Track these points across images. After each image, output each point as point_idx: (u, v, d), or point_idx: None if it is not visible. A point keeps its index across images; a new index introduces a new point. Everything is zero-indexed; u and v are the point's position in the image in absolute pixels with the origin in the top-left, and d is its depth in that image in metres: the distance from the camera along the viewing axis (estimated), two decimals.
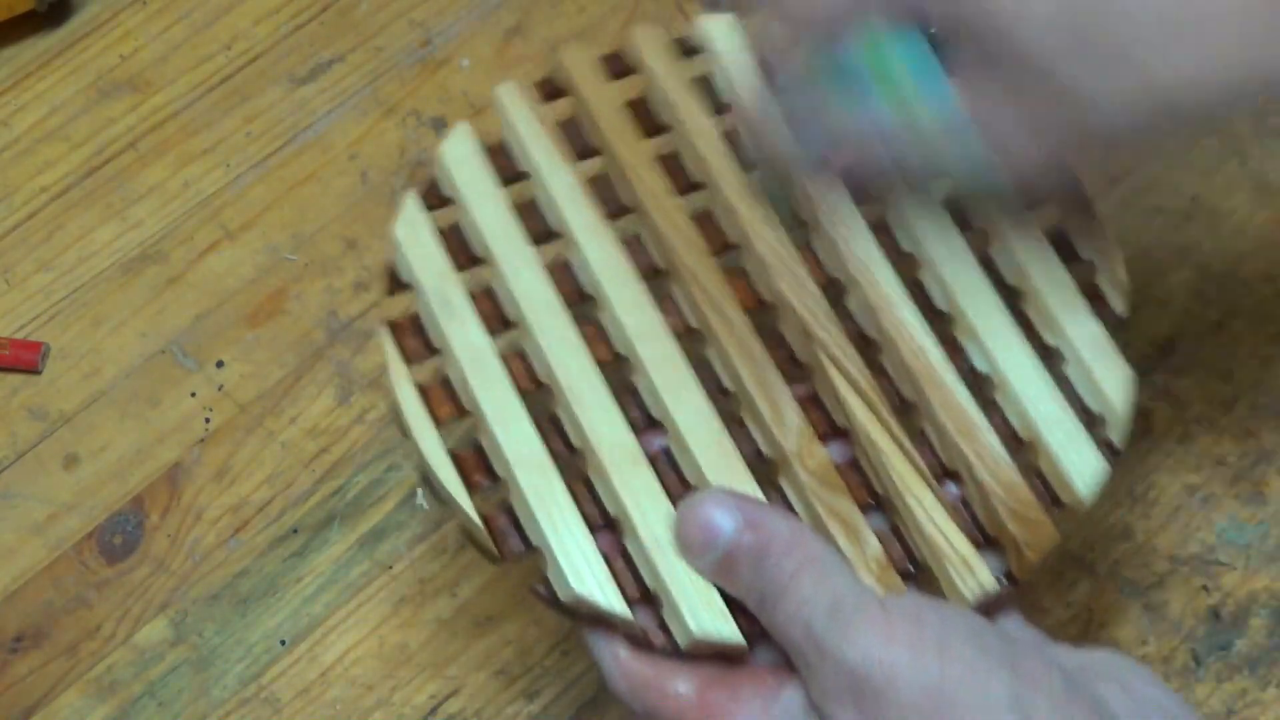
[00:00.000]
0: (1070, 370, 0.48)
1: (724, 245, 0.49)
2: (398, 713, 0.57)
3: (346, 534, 0.59)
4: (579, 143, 0.51)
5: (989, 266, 0.49)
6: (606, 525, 0.45)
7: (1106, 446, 0.46)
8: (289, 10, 0.69)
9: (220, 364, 0.62)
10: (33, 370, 0.62)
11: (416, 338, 0.48)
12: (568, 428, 0.46)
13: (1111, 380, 0.47)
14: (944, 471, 0.46)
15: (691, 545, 0.44)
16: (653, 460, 0.46)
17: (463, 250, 0.49)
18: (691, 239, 0.49)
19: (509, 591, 0.58)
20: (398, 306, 0.48)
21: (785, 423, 0.46)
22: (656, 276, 0.49)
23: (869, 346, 0.48)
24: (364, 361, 0.62)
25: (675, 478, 0.46)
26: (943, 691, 0.39)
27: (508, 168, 0.50)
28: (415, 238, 0.49)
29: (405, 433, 0.46)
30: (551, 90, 0.52)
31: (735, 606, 0.44)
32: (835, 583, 0.41)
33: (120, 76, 0.68)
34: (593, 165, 0.50)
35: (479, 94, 0.66)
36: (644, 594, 0.44)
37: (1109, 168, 0.61)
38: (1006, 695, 0.39)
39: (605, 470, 0.45)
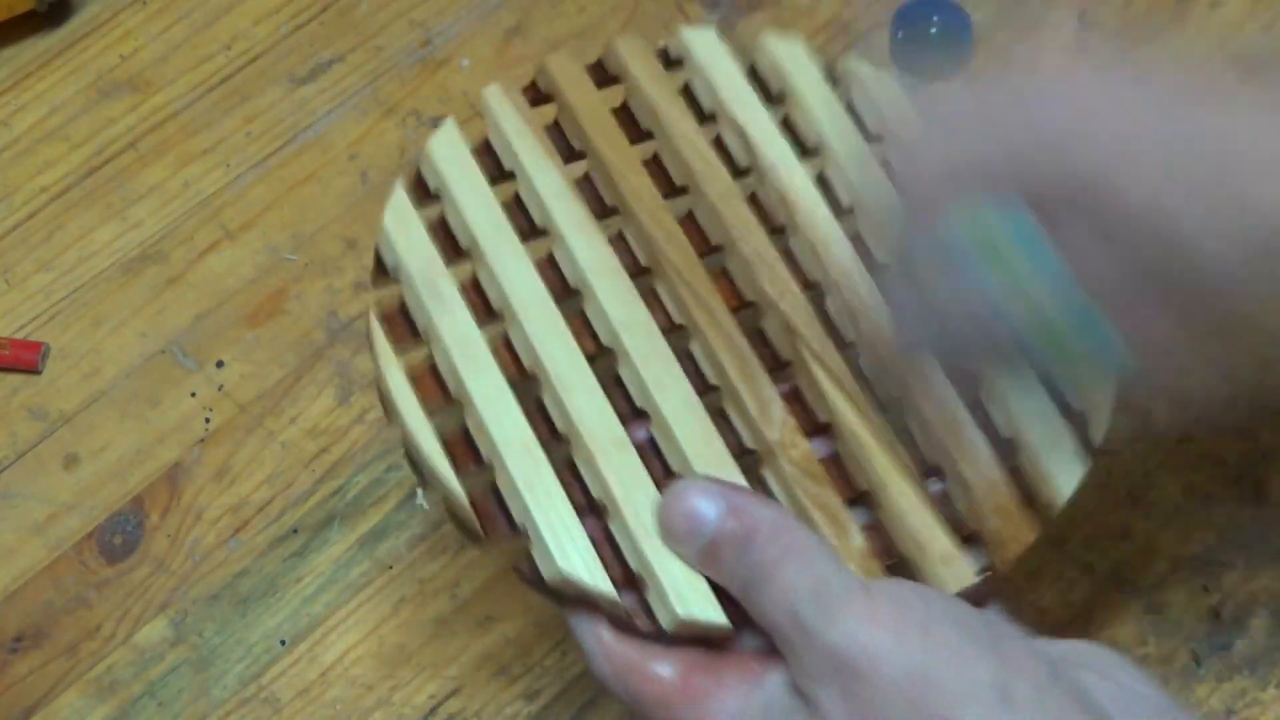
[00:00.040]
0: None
1: (707, 247, 0.50)
2: (398, 713, 0.57)
3: (346, 534, 0.59)
4: (564, 145, 0.51)
5: None
6: (592, 510, 0.45)
7: (1086, 445, 0.47)
8: (289, 10, 0.69)
9: (220, 364, 0.62)
10: (33, 370, 0.62)
11: (404, 324, 0.48)
12: (554, 414, 0.47)
13: (1093, 379, 0.47)
14: (925, 466, 0.47)
15: (676, 533, 0.44)
16: (637, 450, 0.46)
17: (449, 243, 0.49)
18: (676, 238, 0.49)
19: (509, 591, 0.58)
20: (386, 294, 0.49)
21: (769, 415, 0.47)
22: (642, 274, 0.49)
23: (849, 347, 0.48)
24: (364, 361, 0.62)
25: (660, 467, 0.46)
26: (925, 674, 0.39)
27: (494, 167, 0.51)
28: (404, 226, 0.49)
29: (392, 416, 0.46)
30: (537, 95, 0.52)
31: (720, 592, 0.44)
32: (819, 567, 0.42)
33: (120, 76, 0.68)
34: (578, 167, 0.51)
35: (479, 94, 0.66)
36: (628, 578, 0.44)
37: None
38: (989, 679, 0.39)
39: (591, 455, 0.45)
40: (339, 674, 0.57)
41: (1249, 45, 0.66)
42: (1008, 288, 0.44)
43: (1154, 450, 0.59)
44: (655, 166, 0.51)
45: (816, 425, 0.47)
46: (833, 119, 0.52)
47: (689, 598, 0.44)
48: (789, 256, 0.50)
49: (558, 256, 0.49)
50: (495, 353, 0.47)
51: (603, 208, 0.50)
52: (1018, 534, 0.46)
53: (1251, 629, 0.56)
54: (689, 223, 0.51)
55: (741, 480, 0.46)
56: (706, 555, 0.43)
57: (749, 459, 0.47)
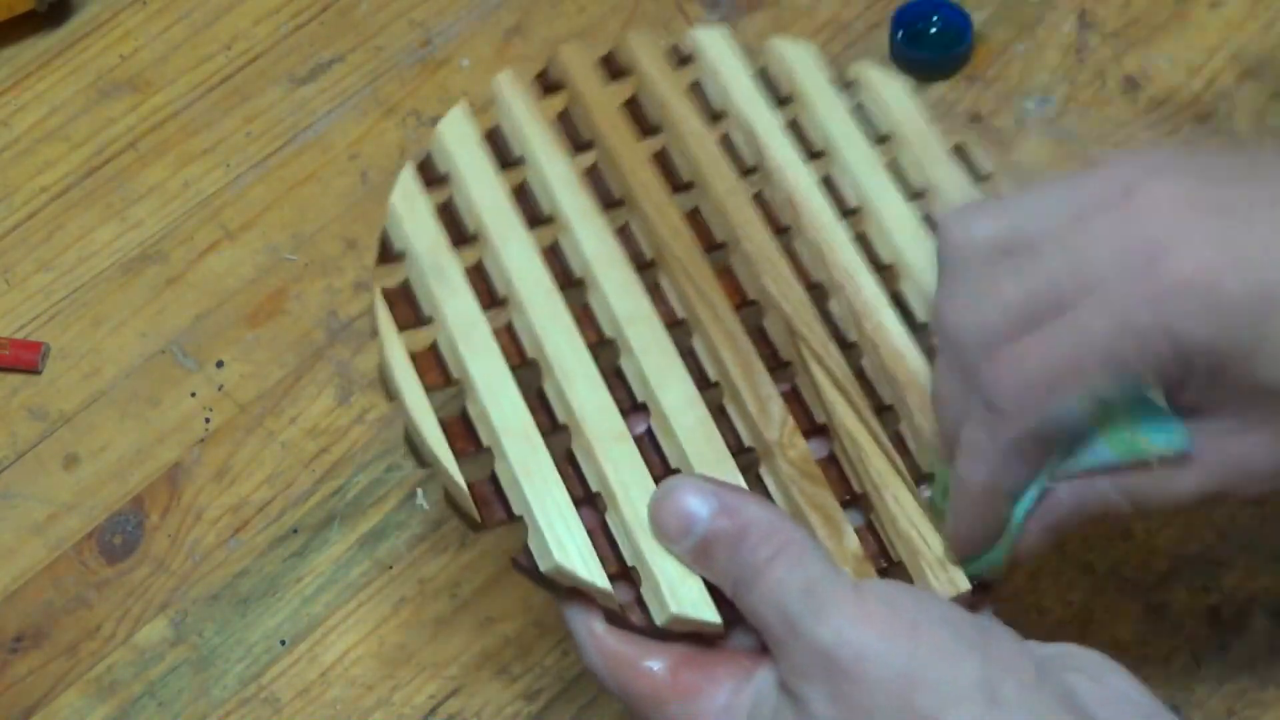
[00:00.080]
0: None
1: (712, 244, 0.50)
2: (398, 713, 0.57)
3: (346, 534, 0.59)
4: (573, 135, 0.51)
5: None
6: (589, 501, 0.45)
7: None
8: (289, 10, 0.69)
9: (220, 364, 0.62)
10: (33, 370, 0.62)
11: (408, 305, 0.48)
12: (554, 403, 0.47)
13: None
14: (921, 471, 0.47)
15: (668, 531, 0.44)
16: (636, 443, 0.46)
17: (456, 226, 0.49)
18: (681, 233, 0.49)
19: (509, 591, 0.58)
20: (391, 274, 0.49)
21: (768, 414, 0.47)
22: (646, 267, 0.49)
23: (850, 349, 0.48)
24: (364, 361, 0.62)
25: (659, 461, 0.46)
26: (912, 673, 0.39)
27: (503, 153, 0.51)
28: (411, 207, 0.49)
29: (392, 395, 0.46)
30: (548, 85, 0.52)
31: (714, 589, 0.44)
32: (810, 566, 0.42)
33: (120, 76, 0.68)
34: (586, 158, 0.51)
35: (479, 94, 0.66)
36: (623, 570, 0.44)
37: None
38: (976, 678, 0.39)
39: (590, 445, 0.45)
40: (339, 674, 0.57)
41: (1249, 45, 0.66)
42: (1125, 455, 0.42)
43: None
44: (662, 161, 0.51)
45: (814, 426, 0.47)
46: (840, 123, 0.52)
47: (682, 595, 0.44)
48: (792, 257, 0.50)
49: (563, 245, 0.49)
50: (497, 338, 0.47)
51: (609, 199, 0.50)
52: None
53: (1251, 629, 0.56)
54: (694, 219, 0.50)
55: (739, 478, 0.46)
56: (698, 553, 0.44)
57: (747, 457, 0.47)
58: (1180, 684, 0.55)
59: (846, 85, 0.53)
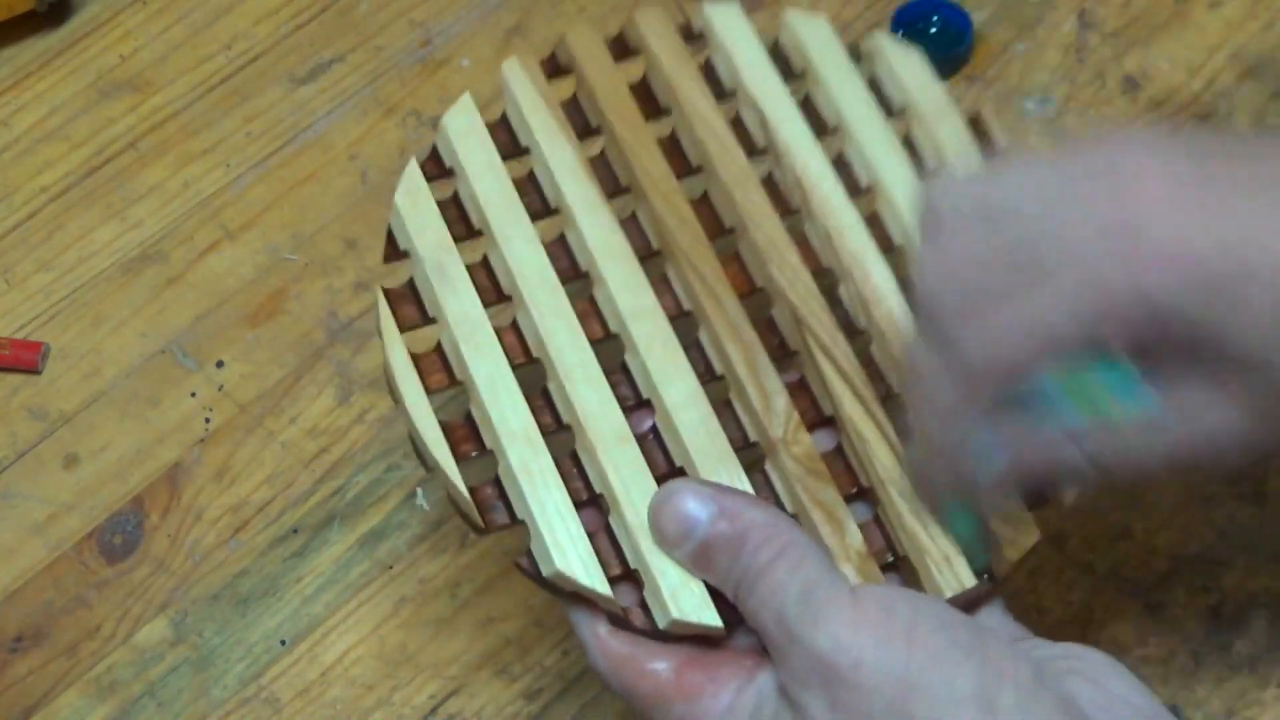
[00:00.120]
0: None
1: (720, 229, 0.49)
2: (398, 713, 0.57)
3: (346, 534, 0.59)
4: (580, 121, 0.51)
5: None
6: (592, 502, 0.45)
7: None
8: (289, 10, 0.69)
9: (220, 364, 0.62)
10: (33, 370, 0.62)
11: (412, 305, 0.48)
12: (558, 403, 0.47)
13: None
14: None
15: (668, 536, 0.44)
16: (640, 440, 0.46)
17: (461, 221, 0.49)
18: (688, 222, 0.49)
19: (509, 591, 0.58)
20: (395, 274, 0.48)
21: (773, 409, 0.47)
22: (652, 257, 0.49)
23: (859, 336, 0.48)
24: (364, 361, 0.62)
25: (662, 458, 0.46)
26: (908, 680, 0.39)
27: (509, 143, 0.50)
28: (415, 205, 0.49)
29: (395, 398, 0.46)
30: (555, 68, 0.52)
31: (715, 590, 0.44)
32: (808, 570, 0.42)
33: (120, 76, 0.68)
34: (593, 144, 0.50)
35: (479, 94, 0.66)
36: (627, 572, 0.44)
37: None
38: (972, 686, 0.39)
39: (593, 448, 0.45)
40: (339, 674, 0.57)
41: (1249, 45, 0.66)
42: (1093, 421, 0.42)
43: None
44: (671, 145, 0.51)
45: (821, 417, 0.47)
46: (853, 98, 0.51)
47: (683, 598, 0.43)
48: (802, 241, 0.49)
49: (568, 237, 0.49)
50: (501, 337, 0.47)
51: (616, 187, 0.50)
52: (1019, 536, 0.45)
53: (1251, 629, 0.56)
54: (702, 204, 0.50)
55: (743, 476, 0.46)
56: (698, 557, 0.43)
57: (751, 452, 0.46)
58: (1180, 684, 0.55)
59: (860, 57, 0.52)
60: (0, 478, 0.61)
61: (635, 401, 0.47)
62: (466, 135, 0.50)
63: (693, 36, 0.52)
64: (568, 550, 0.44)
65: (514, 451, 0.45)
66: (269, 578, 0.59)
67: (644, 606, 0.44)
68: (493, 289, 0.48)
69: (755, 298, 0.49)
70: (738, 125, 0.51)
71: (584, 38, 0.52)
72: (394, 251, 0.49)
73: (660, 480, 0.45)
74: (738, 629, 0.44)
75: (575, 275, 0.48)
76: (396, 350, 0.47)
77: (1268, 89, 0.65)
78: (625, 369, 0.48)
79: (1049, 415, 0.42)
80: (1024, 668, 0.40)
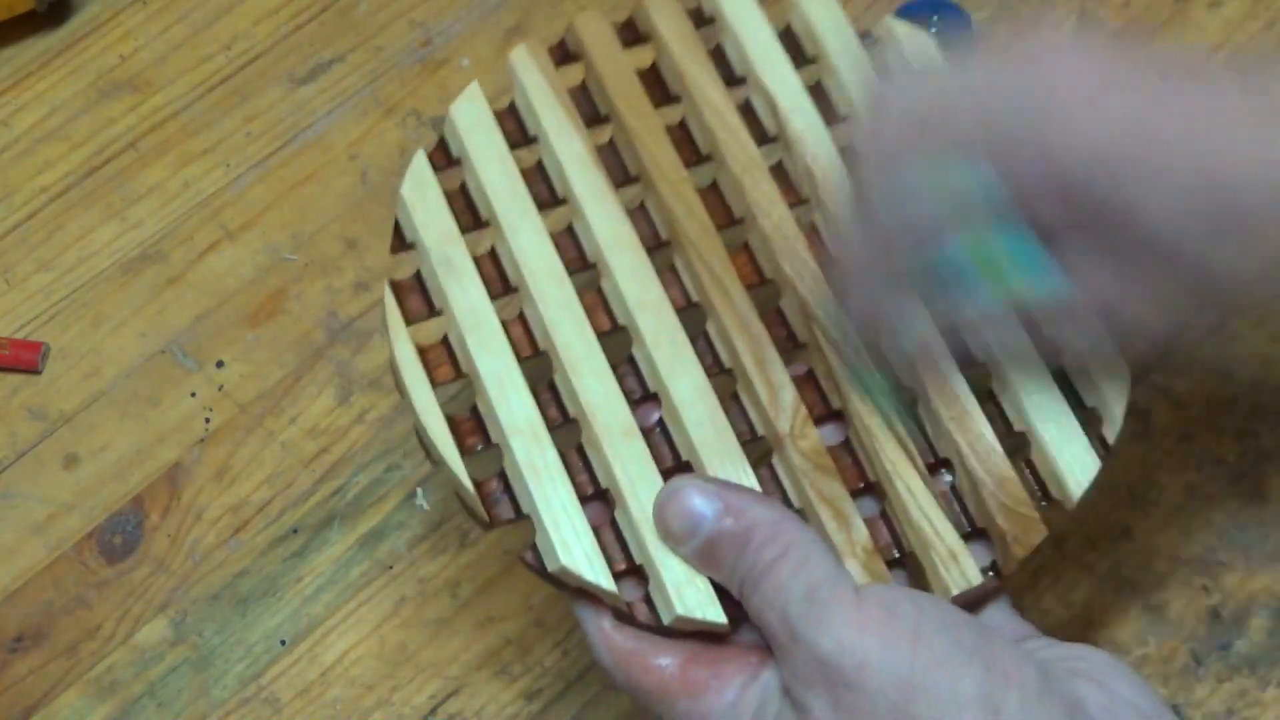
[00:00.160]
0: (1067, 364, 0.48)
1: (729, 219, 0.49)
2: (398, 713, 0.57)
3: (346, 534, 0.59)
4: (589, 109, 0.51)
5: None
6: (598, 496, 0.45)
7: (1100, 443, 0.46)
8: (289, 10, 0.69)
9: (220, 364, 0.62)
10: (33, 370, 0.62)
11: (418, 297, 0.48)
12: (564, 396, 0.46)
13: (1108, 376, 0.47)
14: (936, 459, 0.46)
15: (673, 533, 0.44)
16: (646, 433, 0.46)
17: (468, 211, 0.49)
18: (696, 212, 0.49)
19: (509, 591, 0.58)
20: (401, 265, 0.48)
21: (780, 403, 0.46)
22: (660, 247, 0.49)
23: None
24: (364, 361, 0.62)
25: (668, 451, 0.46)
26: (912, 683, 0.39)
27: (517, 131, 0.50)
28: (421, 197, 0.49)
29: (401, 391, 0.46)
30: (564, 55, 0.51)
31: (720, 586, 0.44)
32: (813, 570, 0.42)
33: (120, 76, 0.68)
34: (602, 132, 0.50)
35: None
36: (632, 567, 0.44)
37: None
38: (976, 689, 0.39)
39: (599, 442, 0.45)
40: (339, 674, 0.57)
41: (1249, 45, 0.66)
42: (1003, 297, 0.44)
43: (1154, 450, 0.59)
44: (680, 132, 0.51)
45: (829, 411, 0.47)
46: (865, 82, 0.51)
47: (689, 594, 0.43)
48: (812, 230, 0.49)
49: (576, 228, 0.49)
50: (507, 329, 0.47)
51: (624, 176, 0.50)
52: (1026, 533, 0.45)
53: (1251, 629, 0.56)
54: (711, 193, 0.50)
55: (749, 471, 0.45)
56: (703, 555, 0.43)
57: (758, 446, 0.46)
58: (1180, 684, 0.55)
59: (871, 42, 0.52)
60: (0, 478, 0.61)
61: (642, 394, 0.47)
62: (474, 124, 0.50)
63: (703, 21, 0.52)
64: (573, 545, 0.44)
65: (520, 445, 0.45)
66: (269, 578, 0.59)
67: (649, 601, 0.44)
68: (499, 280, 0.48)
69: (764, 289, 0.48)
70: (748, 112, 0.51)
71: (593, 24, 0.51)
72: (400, 243, 0.48)
73: (666, 474, 0.45)
74: (743, 625, 0.44)
75: (583, 266, 0.48)
76: (402, 343, 0.46)
77: None
78: (632, 361, 0.47)
79: (965, 299, 0.44)
80: (1029, 671, 0.40)
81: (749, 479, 0.45)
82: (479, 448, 0.46)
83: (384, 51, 0.68)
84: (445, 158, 0.50)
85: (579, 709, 0.56)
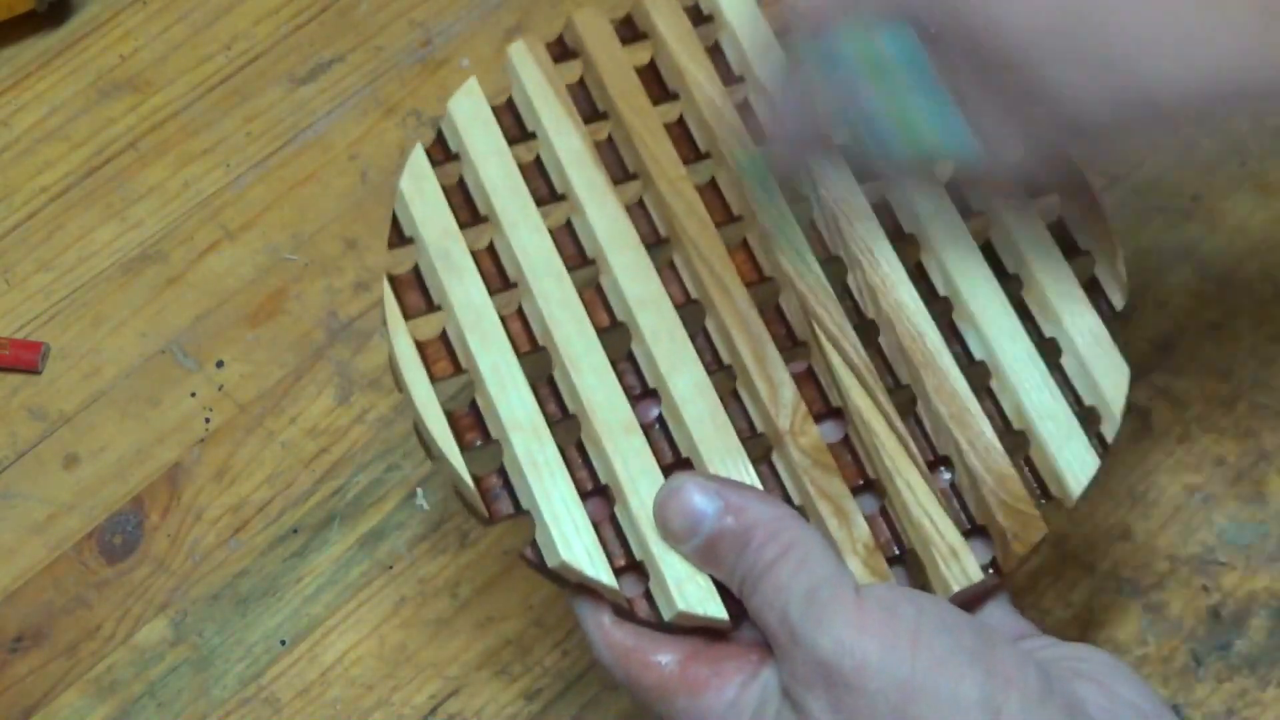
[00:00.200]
0: (1066, 362, 0.48)
1: (727, 216, 0.49)
2: (398, 713, 0.57)
3: (346, 534, 0.59)
4: (587, 105, 0.51)
5: (990, 253, 0.49)
6: (598, 492, 0.45)
7: (1099, 441, 0.46)
8: (289, 10, 0.69)
9: (220, 364, 0.62)
10: (33, 370, 0.62)
11: (417, 292, 0.48)
12: (563, 392, 0.46)
13: (1107, 374, 0.47)
14: (935, 457, 0.46)
15: (673, 530, 0.44)
16: (646, 429, 0.46)
17: (467, 207, 0.49)
18: (695, 209, 0.49)
19: (509, 591, 0.58)
20: (400, 260, 0.48)
21: (780, 399, 0.46)
22: (659, 244, 0.49)
23: (867, 327, 0.48)
24: (364, 361, 0.62)
25: (668, 448, 0.46)
26: (912, 685, 0.39)
27: (515, 127, 0.50)
28: (420, 191, 0.48)
29: (400, 387, 0.46)
30: (563, 51, 0.51)
31: (722, 584, 0.44)
32: (813, 570, 0.41)
33: (120, 76, 0.68)
34: (600, 129, 0.50)
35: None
36: (632, 563, 0.44)
37: (1100, 164, 0.61)
38: (977, 693, 0.39)
39: (599, 437, 0.45)
40: (339, 674, 0.57)
41: None
42: (886, 99, 0.45)
43: (1154, 450, 0.59)
44: (679, 129, 0.51)
45: (829, 408, 0.47)
46: None
47: (689, 590, 0.43)
48: (811, 228, 0.49)
49: (575, 224, 0.49)
50: (507, 325, 0.47)
51: (623, 172, 0.50)
52: (1025, 530, 0.45)
53: (1251, 629, 0.56)
54: (711, 190, 0.50)
55: (749, 468, 0.45)
56: (704, 553, 0.43)
57: (758, 443, 0.46)
58: (1180, 684, 0.55)
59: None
60: (0, 478, 0.61)
61: (641, 390, 0.47)
62: (472, 120, 0.50)
63: (701, 19, 0.52)
64: (573, 541, 0.44)
65: (519, 441, 0.45)
66: (269, 578, 0.59)
67: (649, 598, 0.44)
68: (498, 276, 0.48)
69: (763, 286, 0.48)
70: (747, 110, 0.51)
71: (591, 20, 0.51)
72: (399, 238, 0.48)
73: (666, 470, 0.45)
74: (744, 622, 0.44)
75: (582, 262, 0.48)
76: (401, 338, 0.46)
77: None
78: (631, 358, 0.47)
79: (851, 91, 0.45)
80: (1030, 673, 0.40)
81: (749, 476, 0.45)
82: (478, 443, 0.46)
83: (384, 51, 0.68)
84: (443, 152, 0.50)
85: (579, 709, 0.56)
